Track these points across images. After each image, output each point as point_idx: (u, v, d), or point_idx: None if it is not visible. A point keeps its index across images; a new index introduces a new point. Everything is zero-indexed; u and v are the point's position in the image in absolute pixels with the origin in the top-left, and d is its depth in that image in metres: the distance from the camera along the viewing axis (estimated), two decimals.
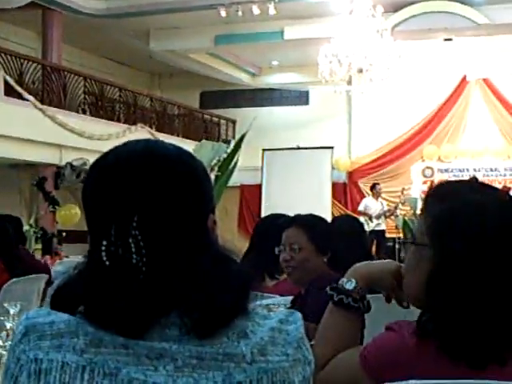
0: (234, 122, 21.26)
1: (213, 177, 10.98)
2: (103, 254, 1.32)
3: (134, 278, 1.30)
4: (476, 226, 1.83)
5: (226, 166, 12.58)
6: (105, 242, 1.32)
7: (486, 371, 1.72)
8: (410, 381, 1.71)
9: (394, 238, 16.54)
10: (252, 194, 19.87)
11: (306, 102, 20.81)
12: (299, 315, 1.43)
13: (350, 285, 2.07)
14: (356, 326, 2.07)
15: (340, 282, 2.08)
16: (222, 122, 21.34)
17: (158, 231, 1.33)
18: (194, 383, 1.28)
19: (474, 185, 2.03)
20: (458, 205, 1.87)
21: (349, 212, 16.88)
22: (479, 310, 1.76)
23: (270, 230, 4.26)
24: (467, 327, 1.74)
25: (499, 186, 18.12)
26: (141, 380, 1.26)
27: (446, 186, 2.04)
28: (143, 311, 1.29)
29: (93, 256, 1.35)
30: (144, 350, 1.28)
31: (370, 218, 16.03)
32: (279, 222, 3.94)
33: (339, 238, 4.71)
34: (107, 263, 1.31)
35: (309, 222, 3.77)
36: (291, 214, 3.98)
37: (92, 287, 1.31)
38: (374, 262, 2.22)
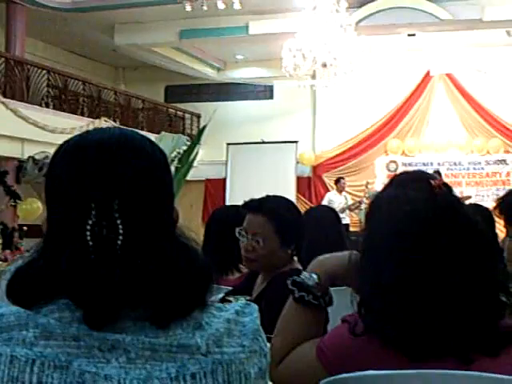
0: (198, 116, 21.20)
1: (173, 169, 10.91)
2: (88, 233, 1.31)
3: (114, 262, 1.30)
4: (385, 218, 1.90)
5: (186, 158, 12.53)
6: (90, 222, 1.31)
7: (426, 363, 1.74)
8: (369, 371, 1.71)
9: (358, 232, 16.60)
10: (216, 188, 19.84)
11: (271, 97, 20.79)
12: (255, 307, 1.43)
13: (311, 281, 2.06)
14: (316, 321, 2.07)
15: (301, 277, 2.08)
16: (187, 116, 21.27)
17: (134, 216, 1.34)
18: (146, 375, 1.27)
19: (411, 177, 2.07)
20: (380, 198, 1.92)
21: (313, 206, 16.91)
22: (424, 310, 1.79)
23: (226, 222, 4.07)
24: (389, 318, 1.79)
25: (462, 180, 18.43)
26: (92, 372, 1.25)
27: (397, 176, 2.09)
28: (117, 298, 1.29)
29: (64, 239, 1.33)
30: (96, 342, 1.27)
31: None
32: (244, 205, 3.63)
33: (315, 227, 4.67)
34: (90, 243, 1.30)
35: (277, 212, 3.49)
36: None
37: (73, 268, 1.30)
38: (338, 254, 2.20)
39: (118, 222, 1.32)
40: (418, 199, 1.93)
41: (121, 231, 1.32)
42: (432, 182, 2.10)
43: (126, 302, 1.30)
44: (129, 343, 1.28)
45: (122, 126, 16.58)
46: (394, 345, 1.75)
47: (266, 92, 20.86)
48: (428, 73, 19.13)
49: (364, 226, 1.98)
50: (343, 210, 16.29)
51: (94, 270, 1.29)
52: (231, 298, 3.04)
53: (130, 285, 1.30)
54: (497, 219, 3.56)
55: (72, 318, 1.28)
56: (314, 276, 2.06)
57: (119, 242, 1.31)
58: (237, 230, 3.54)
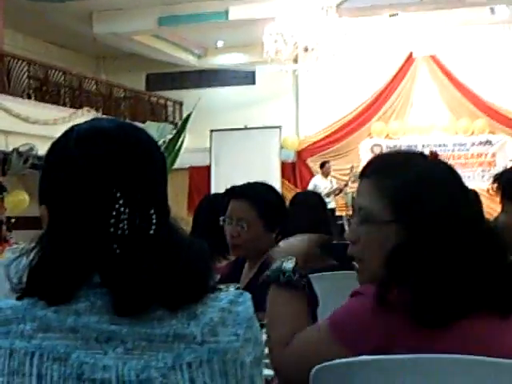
0: (180, 104, 21.17)
1: None
2: (124, 222, 1.33)
3: (145, 250, 1.33)
4: (441, 192, 1.86)
5: (172, 147, 12.47)
6: (127, 210, 1.33)
7: (449, 330, 1.73)
8: (374, 356, 1.71)
9: (343, 216, 16.63)
10: (201, 176, 19.82)
11: (253, 82, 20.76)
12: (249, 296, 1.44)
13: (290, 264, 2.06)
14: (305, 302, 2.06)
15: (279, 263, 2.07)
16: (169, 103, 21.24)
17: (151, 205, 1.37)
18: (143, 365, 1.28)
19: (413, 155, 2.06)
20: (418, 175, 1.90)
21: (298, 191, 16.92)
22: (453, 275, 1.77)
23: (213, 210, 4.13)
24: (442, 292, 1.75)
25: (447, 161, 18.40)
26: (91, 363, 1.27)
27: (386, 159, 2.06)
28: (149, 286, 1.32)
29: (86, 229, 1.34)
30: (93, 334, 1.28)
31: None
32: (226, 192, 3.70)
33: (301, 213, 4.69)
34: (126, 232, 1.33)
35: (259, 196, 3.56)
36: None
37: (107, 255, 1.32)
38: (297, 238, 2.22)
39: (152, 211, 1.35)
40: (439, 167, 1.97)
41: (154, 221, 1.35)
42: (426, 154, 2.09)
43: (154, 291, 1.32)
44: (125, 334, 1.29)
45: (102, 117, 16.58)
46: (418, 315, 1.73)
47: (248, 78, 20.83)
48: (411, 54, 19.13)
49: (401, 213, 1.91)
50: (329, 195, 16.30)
51: (129, 256, 1.33)
52: (222, 286, 3.06)
53: (157, 274, 1.33)
54: (485, 199, 3.58)
55: (69, 310, 1.30)
56: (292, 258, 2.07)
57: (152, 232, 1.35)
58: (221, 218, 3.60)
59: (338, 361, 1.74)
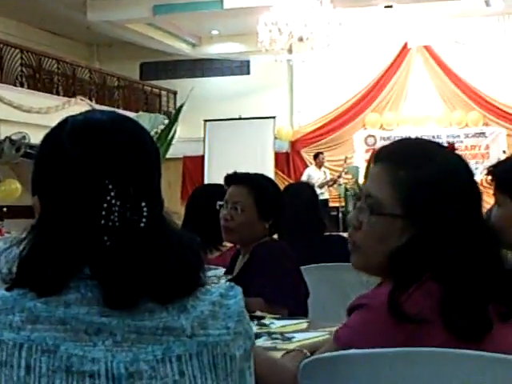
0: (174, 93, 21.16)
1: None
2: (115, 215, 1.33)
3: (136, 243, 1.33)
4: (455, 195, 1.80)
5: (165, 137, 12.44)
6: (119, 203, 1.33)
7: (483, 342, 1.68)
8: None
9: (337, 207, 16.65)
10: (195, 166, 19.82)
11: (247, 72, 20.75)
12: (239, 289, 1.44)
13: None
14: None
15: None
16: (163, 93, 21.24)
17: (143, 198, 1.36)
18: (133, 357, 1.28)
19: (432, 147, 1.99)
20: (434, 173, 1.81)
21: (292, 181, 16.93)
22: (475, 282, 1.71)
23: (206, 201, 4.15)
24: (475, 302, 1.69)
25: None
26: (79, 356, 1.26)
27: (404, 147, 1.97)
28: (139, 279, 1.31)
29: (77, 220, 1.34)
30: (82, 326, 1.27)
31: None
32: (226, 178, 3.73)
33: (292, 203, 4.71)
34: (117, 224, 1.32)
35: (258, 184, 3.63)
36: None
37: (98, 247, 1.32)
38: None
39: (143, 204, 1.35)
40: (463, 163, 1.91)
41: (145, 213, 1.35)
42: (445, 146, 2.03)
43: (144, 284, 1.32)
44: (115, 326, 1.29)
45: (96, 106, 16.54)
46: (457, 329, 1.67)
47: (243, 67, 20.82)
48: (406, 45, 19.12)
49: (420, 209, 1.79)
50: (322, 186, 16.31)
51: (120, 249, 1.32)
52: (215, 279, 3.08)
53: (148, 267, 1.32)
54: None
55: (58, 302, 1.29)
56: None
57: (142, 225, 1.34)
58: (218, 203, 3.67)
59: (325, 354, 1.73)
